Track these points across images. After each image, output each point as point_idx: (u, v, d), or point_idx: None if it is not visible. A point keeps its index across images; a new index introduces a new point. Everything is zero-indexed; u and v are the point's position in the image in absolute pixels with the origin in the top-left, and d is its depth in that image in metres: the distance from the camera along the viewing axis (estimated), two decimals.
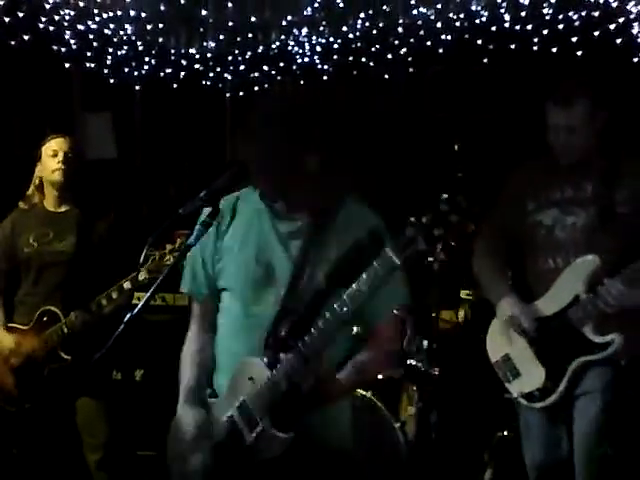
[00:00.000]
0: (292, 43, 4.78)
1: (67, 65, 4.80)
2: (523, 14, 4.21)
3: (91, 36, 4.62)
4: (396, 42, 4.60)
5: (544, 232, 2.90)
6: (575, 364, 2.77)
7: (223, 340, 2.22)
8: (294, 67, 4.94)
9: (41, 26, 4.43)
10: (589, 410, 2.78)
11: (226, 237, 2.17)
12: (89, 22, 4.46)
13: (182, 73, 5.04)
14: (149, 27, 4.53)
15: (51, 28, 4.47)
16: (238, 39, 4.68)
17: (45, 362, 3.29)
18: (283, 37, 4.69)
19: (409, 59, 4.74)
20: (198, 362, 2.26)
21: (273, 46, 4.77)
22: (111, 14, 4.38)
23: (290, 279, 2.08)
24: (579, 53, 4.36)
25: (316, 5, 4.31)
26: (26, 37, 4.40)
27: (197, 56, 4.84)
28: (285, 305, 2.07)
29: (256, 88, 5.03)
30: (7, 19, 4.27)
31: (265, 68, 5.01)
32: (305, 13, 4.40)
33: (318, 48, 4.81)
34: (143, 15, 4.39)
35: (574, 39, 4.31)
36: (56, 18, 4.40)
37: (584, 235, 2.81)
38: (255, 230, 2.16)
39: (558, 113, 2.82)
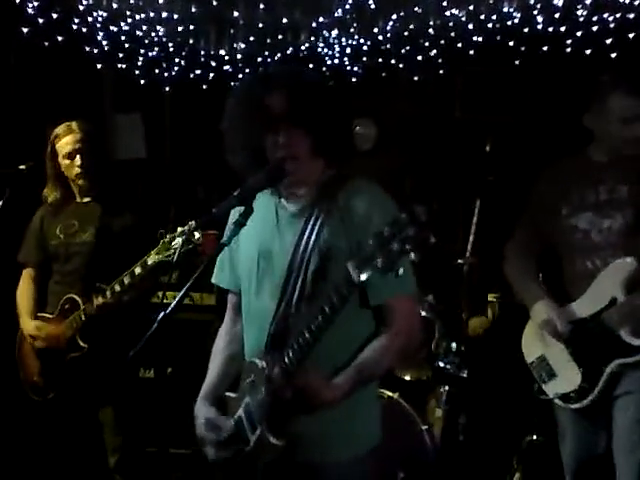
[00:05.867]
0: (322, 44, 4.77)
1: (99, 66, 4.84)
2: (557, 16, 4.16)
3: (123, 37, 4.66)
4: (427, 44, 4.57)
5: (580, 236, 2.87)
6: (612, 366, 2.76)
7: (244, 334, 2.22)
8: (324, 68, 4.93)
9: (74, 27, 4.48)
10: (629, 409, 2.76)
11: (243, 229, 2.14)
12: (121, 23, 4.50)
13: (212, 74, 5.06)
14: (180, 29, 4.56)
15: (84, 29, 4.51)
16: (268, 40, 4.68)
17: (66, 351, 3.32)
18: (313, 38, 4.68)
19: (440, 61, 4.71)
20: (226, 356, 2.27)
21: (303, 47, 4.77)
22: (143, 16, 4.41)
23: (286, 269, 2.04)
24: (613, 55, 4.30)
25: (347, 7, 4.29)
26: (59, 38, 4.45)
27: (227, 57, 4.85)
28: (282, 299, 2.03)
29: None
30: (41, 20, 4.32)
31: None
32: (336, 14, 4.39)
33: (348, 50, 4.80)
34: (174, 17, 4.41)
35: (608, 41, 4.25)
36: (89, 19, 4.44)
37: (621, 238, 2.79)
38: (262, 219, 2.13)
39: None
